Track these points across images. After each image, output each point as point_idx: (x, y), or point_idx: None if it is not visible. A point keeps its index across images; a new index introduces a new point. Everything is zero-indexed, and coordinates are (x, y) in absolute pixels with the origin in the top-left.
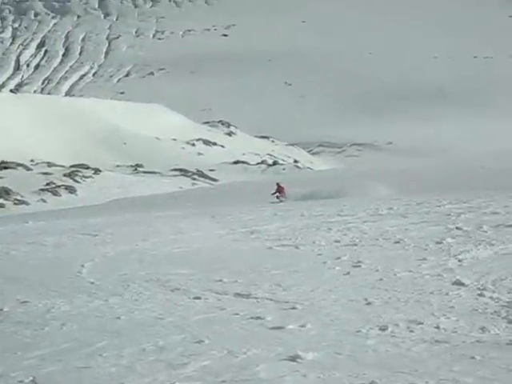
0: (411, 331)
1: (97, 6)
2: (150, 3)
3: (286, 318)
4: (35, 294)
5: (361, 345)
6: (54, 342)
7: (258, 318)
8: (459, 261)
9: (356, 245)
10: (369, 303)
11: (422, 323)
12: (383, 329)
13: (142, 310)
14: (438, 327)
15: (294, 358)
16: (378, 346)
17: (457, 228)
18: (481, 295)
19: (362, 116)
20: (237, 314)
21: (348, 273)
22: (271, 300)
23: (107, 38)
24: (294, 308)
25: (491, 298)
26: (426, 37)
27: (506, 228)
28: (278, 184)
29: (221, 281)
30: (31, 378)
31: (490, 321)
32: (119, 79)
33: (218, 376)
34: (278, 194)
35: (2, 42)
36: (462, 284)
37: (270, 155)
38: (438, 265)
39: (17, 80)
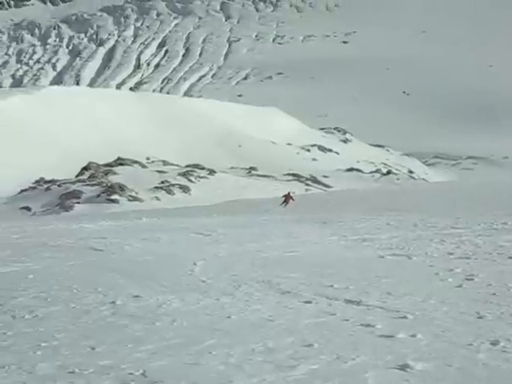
0: None
1: (218, 8)
2: (271, 8)
3: (396, 326)
4: (147, 289)
5: (471, 358)
6: (164, 337)
7: (368, 325)
8: None
9: (469, 258)
10: (481, 317)
11: None
12: (495, 343)
13: (253, 310)
14: None
15: (403, 367)
16: (489, 360)
17: None
18: None
19: (480, 129)
20: (347, 320)
21: (460, 285)
22: (382, 308)
23: (227, 41)
24: (404, 317)
25: None
26: None
27: None
28: (288, 193)
29: (332, 286)
30: (141, 371)
31: None
32: (237, 82)
33: (327, 380)
34: (285, 202)
35: (124, 41)
36: None
37: (385, 164)
38: None
39: (137, 78)
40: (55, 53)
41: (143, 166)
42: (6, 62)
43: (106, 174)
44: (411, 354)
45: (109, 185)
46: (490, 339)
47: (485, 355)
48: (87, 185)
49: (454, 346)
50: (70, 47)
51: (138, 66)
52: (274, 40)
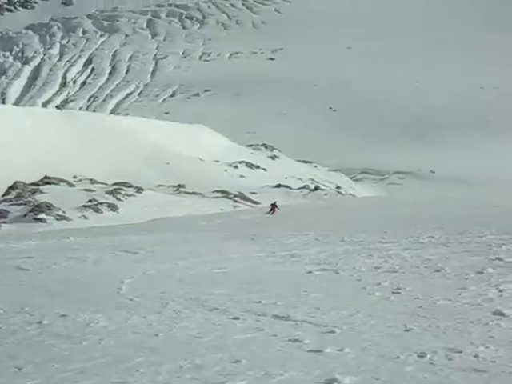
0: (450, 359)
1: (145, 25)
2: (198, 25)
3: (324, 341)
4: (74, 309)
5: (399, 371)
6: (91, 356)
7: (296, 340)
8: (500, 291)
9: (396, 272)
10: (408, 330)
11: (460, 352)
12: (422, 356)
13: (181, 328)
14: (476, 356)
15: (331, 382)
16: (416, 372)
17: (498, 259)
18: None
19: (406, 144)
20: (275, 336)
21: (387, 299)
22: (310, 323)
23: (154, 58)
24: (332, 332)
25: None
26: (473, 68)
27: None
28: (274, 203)
29: (260, 302)
30: None
31: None
32: (164, 99)
33: None
34: (272, 211)
35: (50, 59)
36: (503, 314)
37: (312, 180)
38: (478, 294)
39: (63, 96)
40: None
41: (70, 185)
42: None
43: (33, 193)
44: (339, 368)
45: (36, 204)
46: (417, 352)
47: (412, 368)
48: (13, 204)
49: (381, 359)
50: None
51: (64, 84)
52: (200, 57)
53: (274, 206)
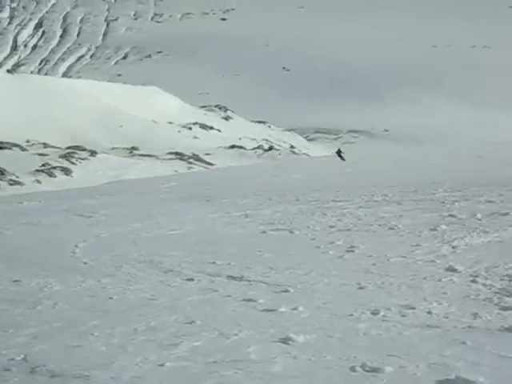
0: (403, 316)
1: None
2: None
3: (278, 300)
4: (28, 273)
5: (352, 328)
6: (45, 320)
7: (251, 300)
8: (453, 247)
9: (350, 230)
10: (361, 287)
11: (414, 308)
12: (375, 313)
13: (135, 290)
14: (429, 312)
15: (285, 340)
16: (370, 329)
17: (451, 215)
18: (473, 282)
19: (360, 103)
20: (229, 296)
21: (341, 257)
22: (264, 283)
23: (105, 20)
24: (286, 291)
25: (484, 284)
26: (425, 26)
27: (500, 216)
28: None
29: (214, 263)
30: (22, 356)
31: (482, 307)
32: (117, 61)
33: (209, 357)
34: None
35: (0, 22)
36: (455, 270)
37: (267, 140)
38: (431, 251)
39: (14, 60)
40: None
41: (23, 149)
42: None
43: None
44: (293, 327)
45: None
46: (370, 309)
47: (365, 325)
48: None
49: (335, 317)
50: None
51: (14, 48)
52: (152, 18)
53: (339, 153)
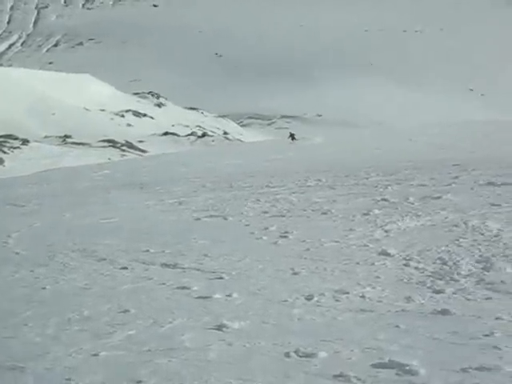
0: (337, 300)
1: None
2: None
3: (212, 287)
4: None
5: (286, 314)
6: None
7: (185, 287)
8: (385, 231)
9: (284, 216)
10: (295, 273)
11: (347, 293)
12: (309, 298)
13: (68, 280)
14: (363, 297)
15: (219, 327)
16: (304, 315)
17: (383, 199)
18: (406, 265)
19: (293, 88)
20: (163, 284)
21: (275, 243)
22: (198, 270)
23: (36, 8)
24: (220, 278)
25: (416, 268)
26: (357, 11)
27: (432, 200)
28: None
29: (148, 251)
30: None
31: (415, 290)
32: (48, 49)
33: (144, 345)
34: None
35: None
36: (388, 254)
37: (200, 127)
38: (364, 235)
39: None
40: None
41: None
42: None
43: None
44: (227, 314)
45: None
46: (304, 294)
47: (300, 310)
48: None
49: (269, 303)
50: None
51: None
52: (83, 5)
53: (293, 135)
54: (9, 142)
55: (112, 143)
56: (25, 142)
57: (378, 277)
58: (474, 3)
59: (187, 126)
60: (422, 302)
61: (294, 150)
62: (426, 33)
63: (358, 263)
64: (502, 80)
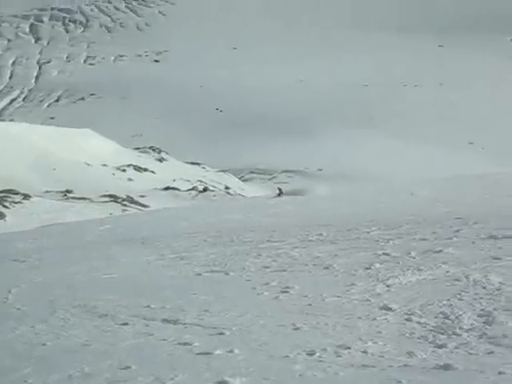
0: (338, 356)
1: (28, 30)
2: (82, 28)
3: (213, 343)
4: None
5: (288, 370)
6: None
7: (186, 343)
8: (387, 286)
9: (285, 270)
10: (297, 328)
11: (349, 348)
12: (311, 354)
13: (69, 336)
14: (365, 352)
15: None
16: (305, 370)
17: (385, 254)
18: (408, 320)
19: (294, 143)
20: (164, 340)
21: (276, 298)
22: (199, 326)
23: (38, 63)
24: (221, 333)
25: (418, 322)
26: (356, 66)
27: (433, 254)
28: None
29: (148, 306)
30: None
31: (417, 345)
32: (49, 104)
33: None
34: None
35: None
36: (390, 309)
37: (201, 181)
38: (365, 290)
39: None
40: None
41: None
42: None
43: None
44: (228, 370)
45: None
46: (306, 350)
47: (301, 366)
48: None
49: (270, 359)
50: None
51: None
52: (85, 61)
53: (280, 191)
54: (10, 197)
55: (113, 198)
56: (26, 196)
57: (379, 332)
58: (474, 56)
59: (188, 181)
60: (424, 356)
61: (295, 204)
62: (425, 87)
63: (359, 318)
64: (503, 133)
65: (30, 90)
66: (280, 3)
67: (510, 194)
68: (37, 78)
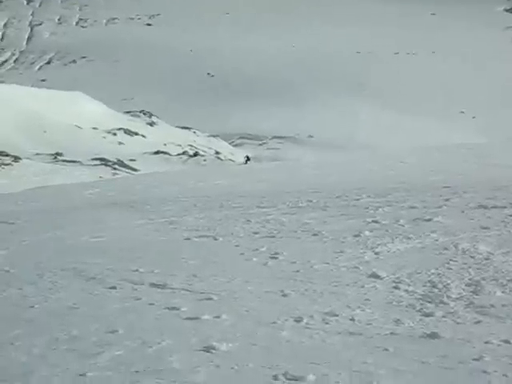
0: (326, 323)
1: None
2: None
3: (201, 308)
4: None
5: (275, 336)
6: None
7: (174, 308)
8: (376, 254)
9: (274, 237)
10: (285, 295)
11: (337, 315)
12: (298, 320)
13: (57, 299)
14: (352, 319)
15: (208, 349)
16: (293, 337)
17: (374, 221)
18: (396, 288)
19: (284, 108)
20: (152, 305)
21: (265, 264)
22: (187, 291)
23: (29, 25)
24: (209, 299)
25: (406, 291)
26: (348, 34)
27: (422, 222)
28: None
29: (137, 271)
30: None
31: (405, 313)
32: (41, 66)
33: (131, 366)
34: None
35: None
36: (378, 277)
37: (192, 146)
38: (354, 257)
39: None
40: None
41: None
42: None
43: None
44: (216, 335)
45: None
46: (293, 316)
47: (288, 332)
48: None
49: (258, 325)
50: None
51: None
52: (77, 23)
53: (248, 158)
54: (0, 159)
55: (103, 161)
56: (16, 158)
57: (367, 299)
58: (466, 26)
59: (179, 146)
60: (412, 325)
61: (286, 170)
62: (417, 55)
63: (347, 285)
64: (494, 102)
65: (21, 52)
66: None
67: (501, 164)
68: (28, 39)
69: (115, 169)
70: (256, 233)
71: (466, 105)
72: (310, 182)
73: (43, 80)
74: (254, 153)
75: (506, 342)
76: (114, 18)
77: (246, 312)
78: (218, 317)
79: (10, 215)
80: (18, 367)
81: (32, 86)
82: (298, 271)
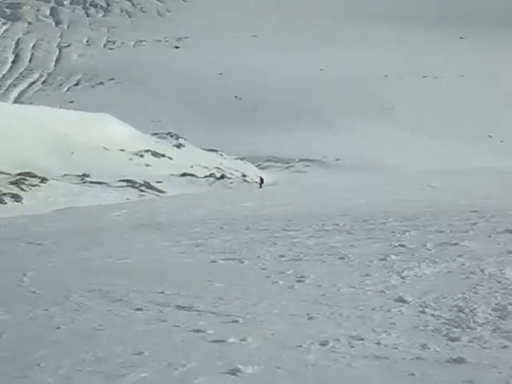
0: (352, 347)
1: (48, 13)
2: (102, 13)
3: (227, 331)
4: None
5: (301, 360)
6: None
7: (199, 330)
8: (402, 278)
9: (300, 260)
10: (311, 318)
11: (363, 339)
12: (324, 344)
13: (83, 320)
14: (378, 343)
15: (233, 372)
16: (318, 361)
17: (401, 245)
18: (422, 312)
19: (312, 131)
20: (178, 327)
21: (291, 287)
22: (213, 313)
23: (58, 46)
24: (235, 321)
25: (433, 315)
26: (377, 57)
27: (449, 246)
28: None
29: (163, 293)
30: None
31: (431, 338)
32: (68, 88)
33: None
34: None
35: None
36: (404, 301)
37: (218, 168)
38: (380, 281)
39: None
40: None
41: None
42: None
43: None
44: (241, 358)
45: None
46: (319, 340)
47: (314, 356)
48: None
49: (284, 349)
50: None
51: None
52: (105, 45)
53: (261, 181)
54: (28, 180)
55: (130, 183)
56: (43, 180)
57: (393, 323)
58: (494, 50)
59: (206, 168)
60: (438, 349)
61: (312, 193)
62: (445, 79)
63: (373, 309)
64: None
65: (49, 74)
66: None
67: None
68: (56, 61)
69: (142, 191)
70: (282, 256)
71: (494, 129)
72: (336, 206)
73: (71, 101)
74: (280, 176)
75: None
76: (141, 41)
77: (272, 335)
78: (243, 340)
79: (37, 236)
80: None
81: (60, 107)
82: (324, 295)
